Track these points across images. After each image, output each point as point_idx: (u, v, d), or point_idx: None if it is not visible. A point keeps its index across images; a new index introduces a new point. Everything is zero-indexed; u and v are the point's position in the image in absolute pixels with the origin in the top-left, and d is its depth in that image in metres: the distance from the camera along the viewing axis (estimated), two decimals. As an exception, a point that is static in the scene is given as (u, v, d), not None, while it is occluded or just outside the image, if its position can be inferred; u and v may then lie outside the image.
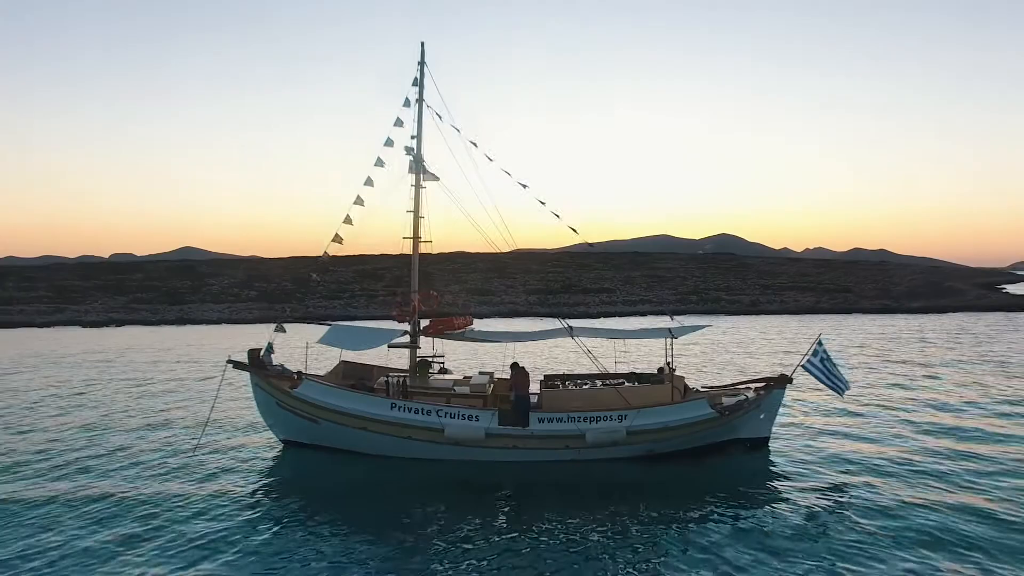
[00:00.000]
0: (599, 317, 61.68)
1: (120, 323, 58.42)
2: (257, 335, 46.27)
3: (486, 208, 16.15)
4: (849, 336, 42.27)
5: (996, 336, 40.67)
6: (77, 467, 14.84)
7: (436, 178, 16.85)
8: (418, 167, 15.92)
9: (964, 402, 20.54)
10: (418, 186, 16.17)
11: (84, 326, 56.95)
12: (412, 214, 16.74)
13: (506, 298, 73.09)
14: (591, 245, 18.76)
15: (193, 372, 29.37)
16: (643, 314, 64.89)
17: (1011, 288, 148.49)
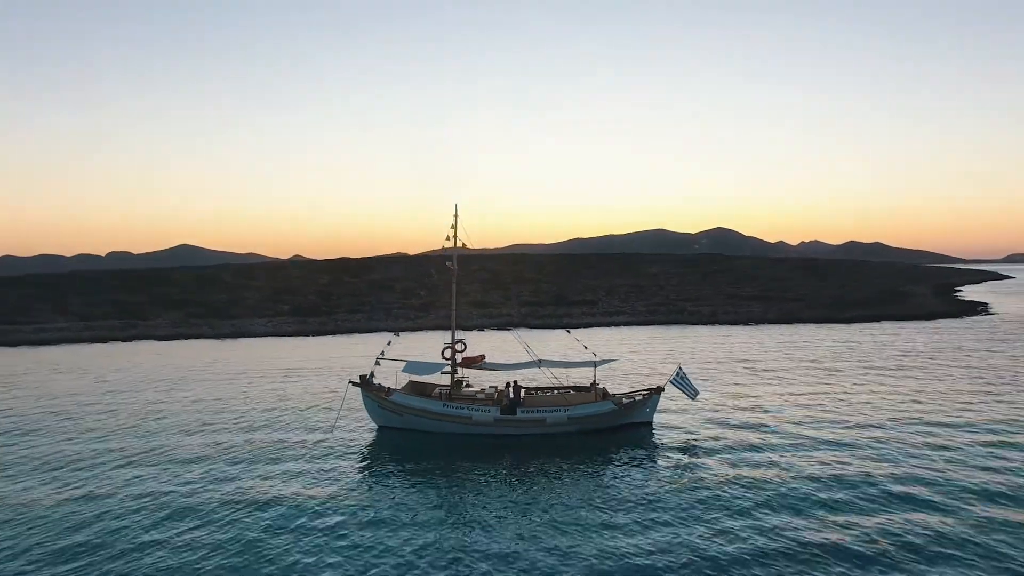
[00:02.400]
0: (580, 328, 74.33)
1: (186, 337, 70.93)
2: (304, 348, 58.43)
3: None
4: (758, 345, 55.03)
5: (861, 345, 53.53)
6: (265, 430, 27.55)
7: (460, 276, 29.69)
8: (455, 279, 28.87)
9: (777, 395, 33.44)
10: (455, 288, 29.06)
11: (158, 340, 69.52)
12: (452, 299, 29.57)
13: (503, 310, 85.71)
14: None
15: (307, 381, 41.56)
16: (617, 325, 77.71)
17: (971, 289, 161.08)
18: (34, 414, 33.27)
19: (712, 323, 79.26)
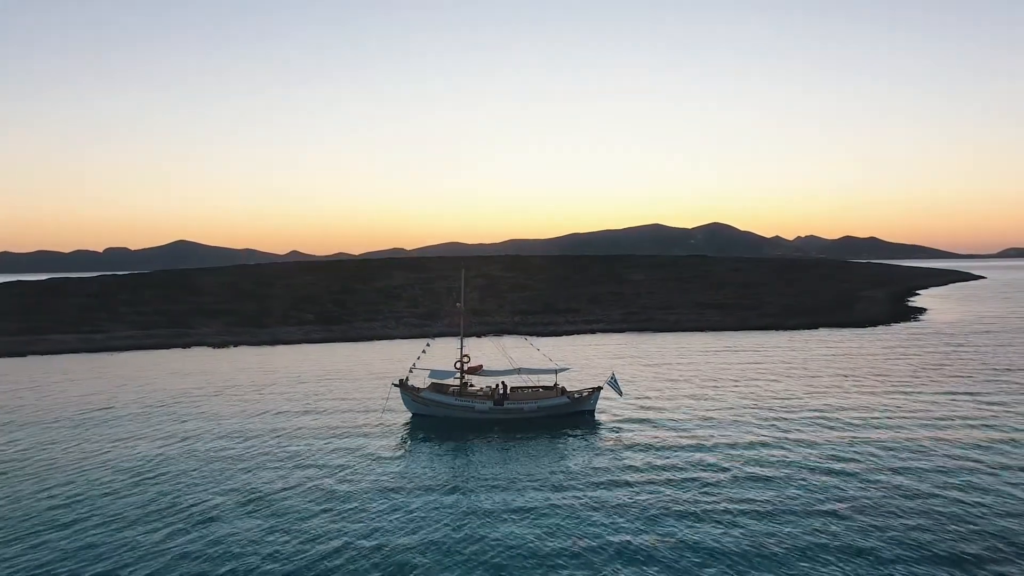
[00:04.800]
0: (562, 336, 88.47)
1: (234, 344, 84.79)
2: (336, 353, 72.13)
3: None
4: (696, 352, 68.92)
5: (775, 352, 67.59)
6: (335, 414, 41.50)
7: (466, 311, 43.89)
8: (463, 317, 43.01)
9: (680, 391, 47.51)
10: (463, 322, 43.23)
11: (212, 347, 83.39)
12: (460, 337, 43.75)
13: (497, 318, 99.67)
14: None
15: (353, 381, 55.66)
16: (595, 332, 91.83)
17: (931, 292, 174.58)
18: (207, 405, 47.20)
19: (676, 330, 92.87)
